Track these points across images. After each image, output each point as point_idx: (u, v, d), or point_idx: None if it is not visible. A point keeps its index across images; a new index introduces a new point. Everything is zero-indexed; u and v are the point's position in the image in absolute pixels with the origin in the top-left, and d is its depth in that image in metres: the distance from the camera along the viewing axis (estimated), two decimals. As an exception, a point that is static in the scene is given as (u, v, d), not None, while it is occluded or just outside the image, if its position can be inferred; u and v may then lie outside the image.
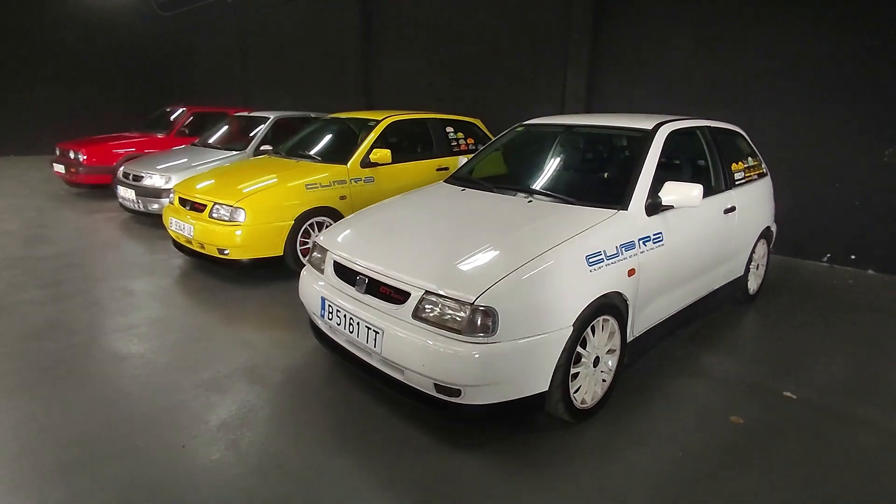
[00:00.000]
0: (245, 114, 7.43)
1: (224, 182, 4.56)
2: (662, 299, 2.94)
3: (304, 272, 2.95)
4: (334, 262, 2.69)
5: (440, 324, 2.12)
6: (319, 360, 3.03)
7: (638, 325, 2.76)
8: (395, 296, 2.30)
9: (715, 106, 5.68)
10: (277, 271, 4.36)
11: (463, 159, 4.19)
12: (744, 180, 3.79)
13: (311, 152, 5.17)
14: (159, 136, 8.33)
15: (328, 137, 5.67)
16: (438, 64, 8.80)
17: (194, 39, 14.80)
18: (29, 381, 2.77)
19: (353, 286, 2.50)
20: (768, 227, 4.23)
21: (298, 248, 4.36)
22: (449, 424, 2.46)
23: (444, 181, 3.64)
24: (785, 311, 4.12)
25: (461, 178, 3.60)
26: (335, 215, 4.59)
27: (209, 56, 14.48)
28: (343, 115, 5.75)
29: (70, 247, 5.33)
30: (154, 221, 6.23)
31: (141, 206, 6.04)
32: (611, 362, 2.63)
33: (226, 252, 4.13)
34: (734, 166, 3.72)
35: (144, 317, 3.62)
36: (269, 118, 6.91)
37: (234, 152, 6.46)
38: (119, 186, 6.32)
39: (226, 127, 7.47)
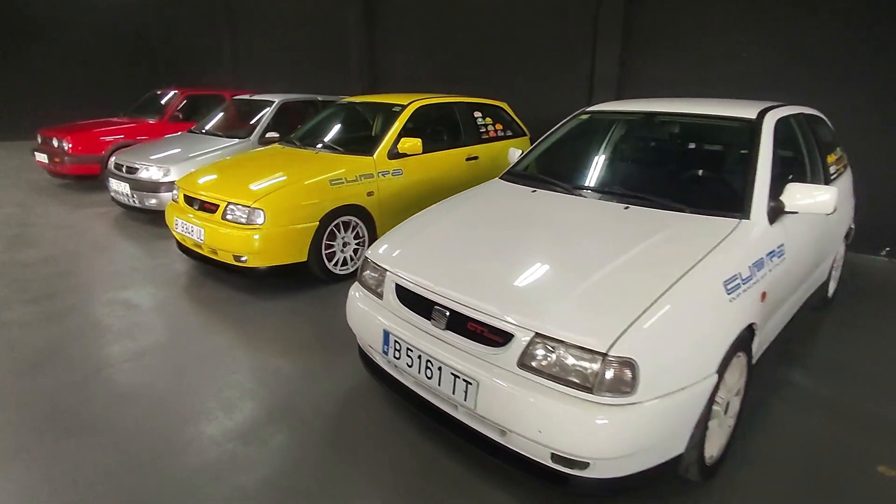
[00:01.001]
0: (245, 97, 6.81)
1: (236, 177, 4.02)
2: (774, 319, 2.50)
3: (353, 293, 2.44)
4: (397, 285, 2.18)
5: (559, 377, 1.65)
6: (371, 398, 2.56)
7: (756, 354, 2.32)
8: (491, 336, 1.81)
9: (768, 91, 5.20)
10: (300, 278, 3.87)
11: (517, 151, 3.45)
12: (835, 175, 3.35)
13: (330, 142, 4.62)
14: (150, 121, 7.68)
15: (346, 124, 5.12)
16: (450, 44, 8.18)
17: (180, 17, 13.92)
18: (25, 439, 2.27)
19: (429, 319, 1.98)
20: (850, 227, 3.81)
21: (324, 252, 3.86)
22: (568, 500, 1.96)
23: (502, 178, 3.12)
24: (867, 316, 3.71)
25: (525, 176, 3.06)
26: (363, 214, 4.09)
27: (196, 36, 13.63)
28: (360, 99, 5.19)
29: (59, 249, 4.77)
30: (152, 218, 5.65)
31: (136, 202, 5.46)
32: (737, 405, 2.18)
33: (243, 259, 3.61)
34: (828, 158, 3.27)
35: (153, 341, 3.11)
36: (273, 102, 6.31)
37: (237, 140, 5.88)
38: (111, 179, 5.72)
39: (224, 112, 6.85)
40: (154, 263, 4.43)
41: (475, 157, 5.08)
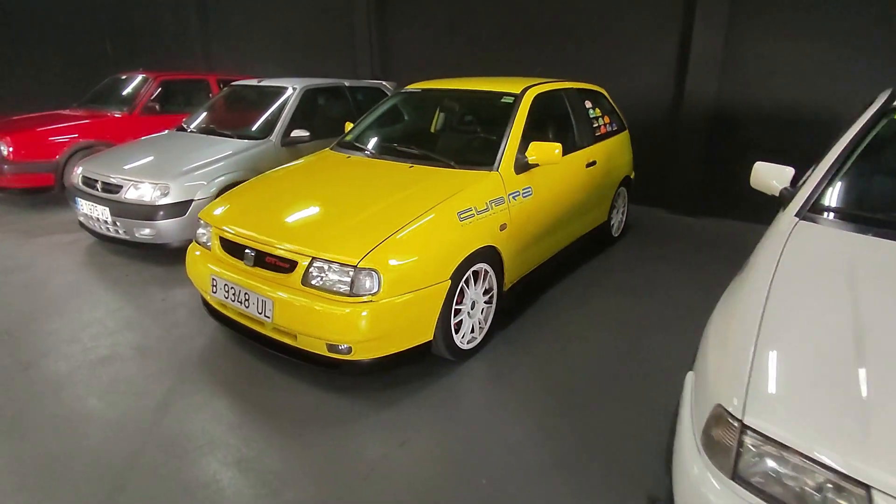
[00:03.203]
0: (251, 83, 5.24)
1: (311, 212, 2.64)
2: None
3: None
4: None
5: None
6: None
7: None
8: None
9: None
10: (414, 367, 2.56)
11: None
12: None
13: (424, 150, 3.24)
14: (116, 114, 5.99)
15: (426, 122, 3.76)
16: (484, 17, 6.79)
17: (131, -14, 11.79)
18: None
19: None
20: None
21: (453, 320, 2.55)
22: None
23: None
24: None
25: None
26: (494, 258, 2.79)
27: (154, 9, 11.56)
28: (437, 86, 3.79)
29: (9, 312, 3.22)
30: (142, 253, 4.13)
31: (121, 232, 3.92)
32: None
33: (343, 349, 2.26)
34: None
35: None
36: (293, 89, 4.82)
37: (253, 142, 4.39)
38: (79, 199, 4.12)
39: (224, 103, 5.29)
40: (164, 335, 2.97)
41: (593, 163, 3.83)
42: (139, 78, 6.44)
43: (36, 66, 11.23)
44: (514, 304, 3.19)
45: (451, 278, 2.43)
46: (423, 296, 2.32)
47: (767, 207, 5.35)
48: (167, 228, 3.79)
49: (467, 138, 3.43)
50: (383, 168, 3.07)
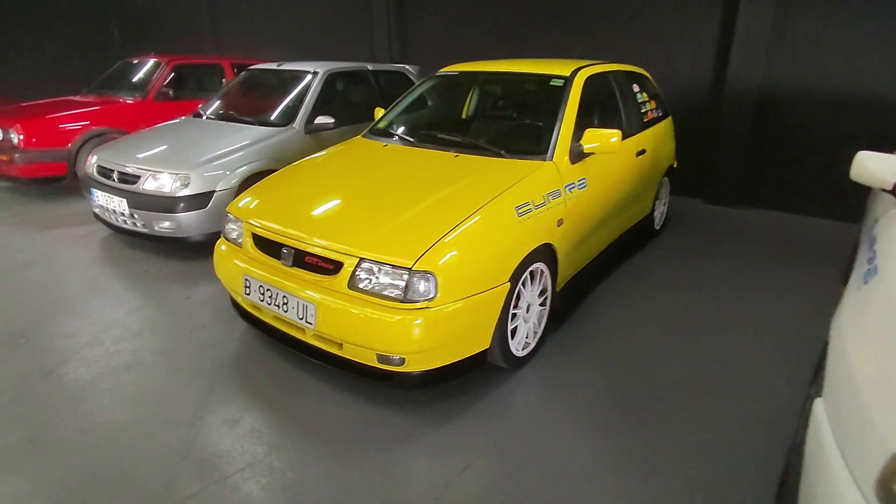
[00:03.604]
0: (271, 67, 4.97)
1: (356, 206, 2.39)
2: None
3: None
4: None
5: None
6: None
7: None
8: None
9: None
10: (467, 376, 2.33)
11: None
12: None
13: (468, 137, 2.98)
14: (128, 100, 5.75)
15: (467, 108, 3.51)
16: (512, -5, 6.48)
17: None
18: None
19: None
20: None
21: (510, 326, 2.32)
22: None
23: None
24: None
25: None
26: (550, 257, 2.55)
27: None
28: (473, 69, 3.51)
29: (21, 311, 3.02)
30: (161, 246, 3.92)
31: (140, 225, 3.70)
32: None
33: (396, 360, 2.03)
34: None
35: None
36: (315, 73, 4.55)
37: (275, 129, 4.15)
38: (95, 190, 3.91)
39: (241, 88, 5.03)
40: (191, 338, 2.76)
41: (643, 151, 3.56)
42: (151, 62, 6.19)
43: (37, 50, 10.97)
44: (563, 306, 2.96)
45: (509, 280, 2.20)
46: (482, 300, 2.08)
47: (819, 199, 5.08)
48: (188, 221, 3.58)
49: (514, 125, 3.17)
50: (425, 157, 2.81)
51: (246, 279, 2.35)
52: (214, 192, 3.62)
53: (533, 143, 2.77)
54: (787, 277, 3.56)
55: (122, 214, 3.74)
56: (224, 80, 6.61)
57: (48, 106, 5.57)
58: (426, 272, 1.94)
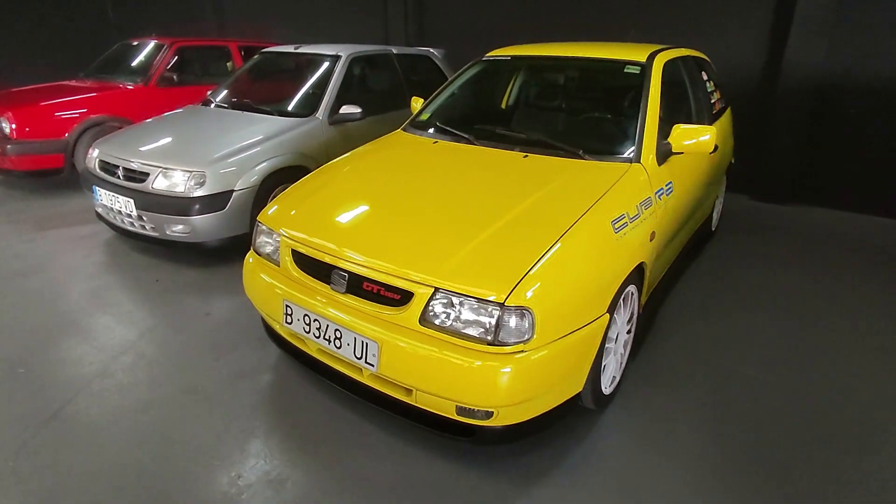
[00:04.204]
0: (287, 50, 4.52)
1: (424, 219, 1.97)
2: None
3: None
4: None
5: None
6: None
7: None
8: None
9: None
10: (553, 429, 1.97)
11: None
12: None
13: (526, 133, 2.57)
14: (129, 85, 5.30)
15: (524, 98, 3.14)
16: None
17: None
18: None
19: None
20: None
21: (602, 365, 1.95)
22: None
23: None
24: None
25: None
26: (640, 276, 2.18)
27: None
28: (523, 53, 3.08)
29: (16, 331, 2.64)
30: (173, 252, 3.53)
31: (149, 228, 3.30)
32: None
33: (481, 414, 1.66)
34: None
35: None
36: (337, 57, 4.12)
37: (296, 120, 3.73)
38: (97, 188, 3.50)
39: (252, 74, 4.59)
40: (216, 367, 2.39)
41: (716, 148, 3.16)
42: (152, 45, 5.73)
43: (26, 31, 10.35)
44: (639, 327, 2.60)
45: (608, 311, 1.83)
46: (582, 337, 1.72)
47: (883, 197, 4.68)
48: (204, 225, 3.18)
49: (587, 119, 2.74)
50: (488, 158, 2.41)
51: (287, 305, 1.97)
52: (233, 191, 3.22)
53: (615, 142, 2.38)
54: (879, 289, 3.21)
55: (129, 216, 3.34)
56: (230, 64, 6.16)
57: (42, 92, 5.12)
58: (522, 308, 1.57)
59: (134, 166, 3.32)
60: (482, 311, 1.61)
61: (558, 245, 1.73)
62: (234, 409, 2.12)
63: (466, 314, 1.63)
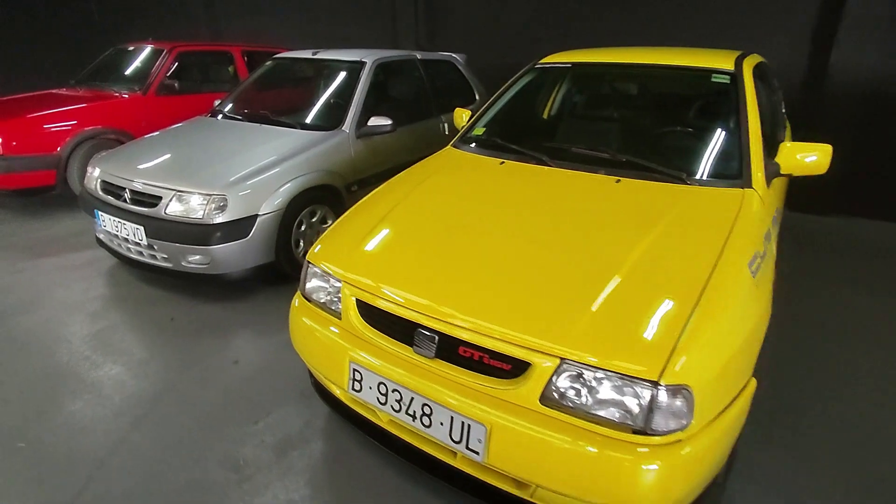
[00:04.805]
0: (305, 55, 4.13)
1: (524, 264, 1.59)
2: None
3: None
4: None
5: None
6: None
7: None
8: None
9: None
10: None
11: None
12: None
13: (610, 153, 2.21)
14: (125, 94, 4.89)
15: (592, 111, 2.83)
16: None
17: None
18: None
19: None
20: None
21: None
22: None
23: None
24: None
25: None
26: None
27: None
28: (592, 59, 2.75)
29: (29, 398, 2.25)
30: (181, 283, 3.15)
31: (163, 259, 2.92)
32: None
33: (622, 517, 1.33)
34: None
35: None
36: (363, 64, 3.76)
37: (320, 133, 3.37)
38: (100, 213, 3.10)
39: (265, 81, 4.22)
40: (258, 435, 2.02)
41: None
42: (149, 49, 5.32)
43: (5, 33, 9.79)
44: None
45: (753, 374, 1.50)
46: (735, 414, 1.38)
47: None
48: (226, 255, 2.81)
49: (673, 135, 2.40)
50: (573, 183, 2.07)
51: (355, 370, 1.61)
52: (257, 216, 2.86)
53: (716, 163, 2.07)
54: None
55: (138, 244, 2.95)
56: (231, 69, 5.77)
57: (29, 102, 4.70)
58: (680, 387, 1.24)
59: (143, 188, 2.93)
60: (627, 389, 1.27)
61: (701, 302, 1.40)
62: (289, 489, 1.75)
63: (604, 392, 1.29)
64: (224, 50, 5.70)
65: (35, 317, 2.84)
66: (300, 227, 3.12)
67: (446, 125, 4.29)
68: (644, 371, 1.25)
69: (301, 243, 3.16)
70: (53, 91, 5.09)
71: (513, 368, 1.38)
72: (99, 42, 6.93)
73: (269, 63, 4.23)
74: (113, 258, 3.41)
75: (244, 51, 5.76)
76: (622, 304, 1.41)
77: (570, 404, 1.32)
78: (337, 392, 1.79)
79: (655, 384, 1.24)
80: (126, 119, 4.70)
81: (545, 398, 1.33)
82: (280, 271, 3.08)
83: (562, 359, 1.32)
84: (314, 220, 3.22)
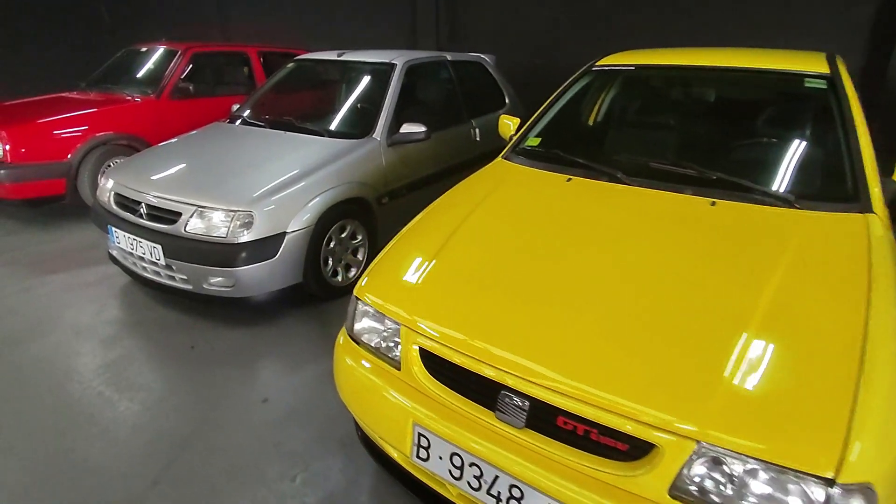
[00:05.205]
0: (326, 57, 3.87)
1: (627, 314, 1.30)
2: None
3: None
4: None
5: None
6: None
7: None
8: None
9: None
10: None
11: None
12: None
13: (696, 170, 1.91)
14: (137, 98, 4.65)
15: (666, 119, 2.55)
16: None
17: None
18: None
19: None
20: None
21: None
22: None
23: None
24: None
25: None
26: None
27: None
28: (657, 61, 2.46)
29: (39, 448, 2.01)
30: (200, 306, 2.90)
31: (182, 280, 2.67)
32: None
33: None
34: None
35: None
36: (390, 66, 3.50)
37: (349, 141, 3.11)
38: (114, 229, 2.86)
39: (287, 84, 3.96)
40: (299, 493, 1.77)
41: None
42: (162, 51, 5.08)
43: (13, 34, 9.58)
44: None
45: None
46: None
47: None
48: (252, 277, 2.56)
49: (766, 149, 2.09)
50: (659, 206, 1.78)
51: (421, 434, 1.35)
52: (285, 234, 2.61)
53: (830, 183, 1.79)
54: None
55: (155, 264, 2.70)
56: (247, 71, 5.53)
57: (38, 106, 4.48)
58: (864, 486, 0.97)
59: (160, 203, 2.69)
60: (792, 487, 1.00)
61: (866, 364, 1.12)
62: (335, 570, 1.50)
63: (756, 487, 1.02)
64: (240, 51, 5.46)
65: (43, 343, 2.60)
66: (329, 244, 2.87)
67: (477, 131, 4.03)
68: (816, 465, 0.98)
69: (329, 261, 2.90)
70: (63, 94, 4.86)
71: (630, 449, 1.11)
72: (109, 42, 6.72)
73: (290, 65, 3.98)
74: (123, 274, 3.16)
75: (260, 52, 5.52)
76: (763, 367, 1.14)
77: (714, 500, 1.05)
78: (394, 454, 1.53)
79: (831, 482, 0.96)
80: (139, 124, 4.47)
81: (676, 489, 1.07)
82: (307, 291, 2.84)
83: (698, 442, 1.05)
84: (343, 235, 2.97)
